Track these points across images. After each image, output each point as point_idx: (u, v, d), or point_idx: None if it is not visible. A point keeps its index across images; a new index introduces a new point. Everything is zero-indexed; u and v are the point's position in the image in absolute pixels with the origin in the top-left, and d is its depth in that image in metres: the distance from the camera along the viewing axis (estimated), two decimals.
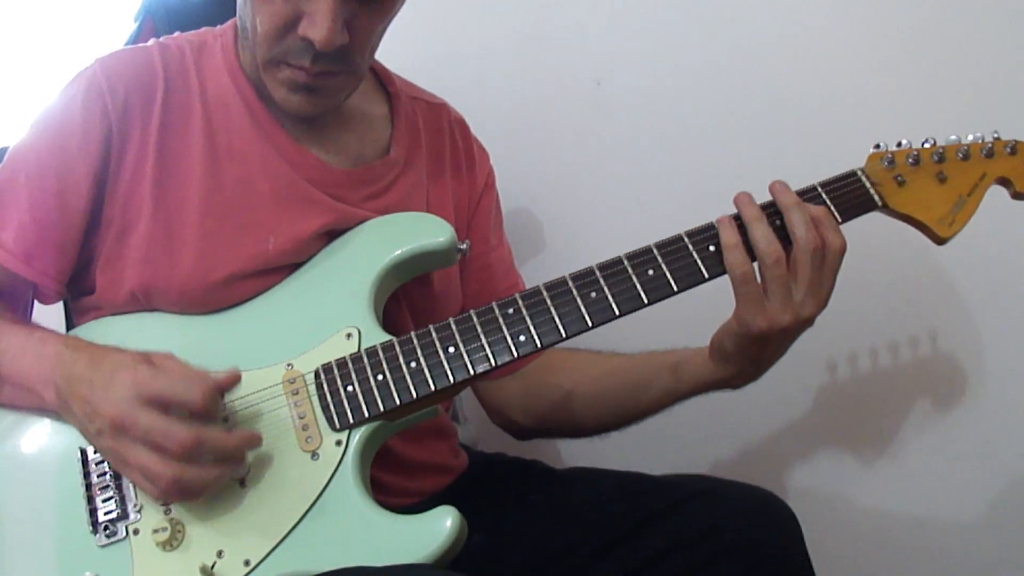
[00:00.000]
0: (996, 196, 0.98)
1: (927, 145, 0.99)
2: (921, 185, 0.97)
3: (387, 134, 1.12)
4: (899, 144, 0.99)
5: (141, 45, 1.04)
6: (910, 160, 0.98)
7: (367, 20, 0.96)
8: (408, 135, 1.13)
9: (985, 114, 1.19)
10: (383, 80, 1.16)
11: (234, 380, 0.90)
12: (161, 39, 1.06)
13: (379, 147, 1.11)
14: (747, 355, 0.97)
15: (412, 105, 1.17)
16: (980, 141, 0.99)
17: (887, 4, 1.27)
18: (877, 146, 1.00)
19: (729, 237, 0.92)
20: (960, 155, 0.98)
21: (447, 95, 1.22)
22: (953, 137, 0.99)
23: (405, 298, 1.06)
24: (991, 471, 1.23)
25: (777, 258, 0.90)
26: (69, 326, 1.09)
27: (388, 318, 1.01)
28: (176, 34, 1.08)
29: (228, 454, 0.87)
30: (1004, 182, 0.98)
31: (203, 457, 0.84)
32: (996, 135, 0.99)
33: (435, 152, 1.16)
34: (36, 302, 1.05)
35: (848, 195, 0.97)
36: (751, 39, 1.35)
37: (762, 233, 0.91)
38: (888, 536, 1.30)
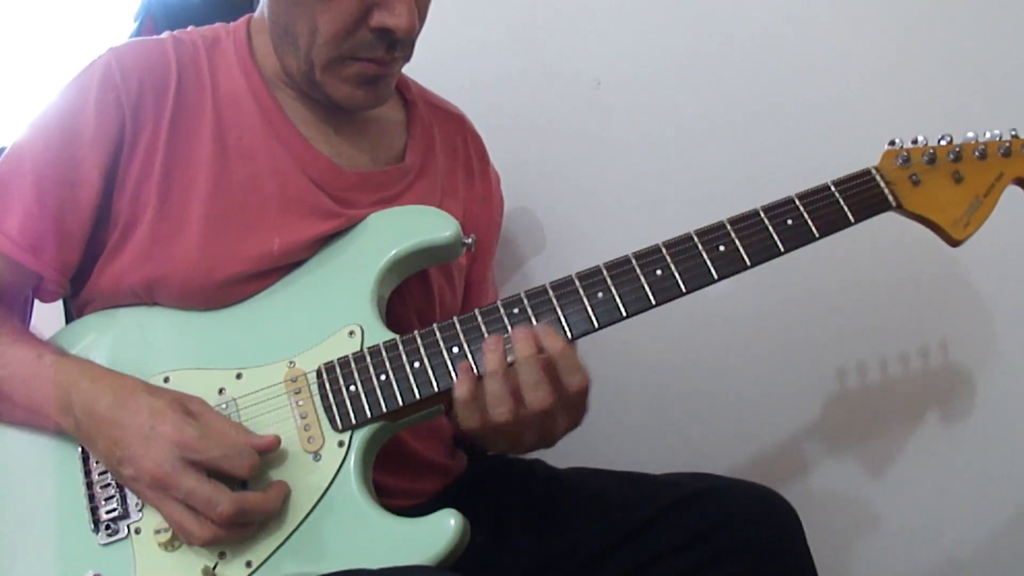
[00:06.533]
0: (1012, 197, 0.96)
1: (943, 143, 0.96)
2: (936, 185, 0.95)
3: (402, 141, 1.11)
4: (914, 141, 0.97)
5: (155, 38, 1.03)
6: (926, 158, 0.95)
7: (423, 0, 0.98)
8: (423, 143, 1.12)
9: (1001, 110, 1.18)
10: (400, 86, 1.15)
11: (275, 444, 0.89)
12: (175, 32, 1.04)
13: (393, 153, 1.09)
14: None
15: (429, 113, 1.15)
16: (998, 139, 0.96)
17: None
18: (892, 143, 0.98)
19: (462, 391, 0.87)
20: (977, 154, 0.95)
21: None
22: (970, 135, 0.97)
23: (409, 294, 1.05)
24: (994, 478, 1.23)
25: (506, 420, 0.86)
26: (68, 321, 1.07)
27: (392, 314, 1.00)
28: (190, 28, 1.06)
29: (265, 516, 0.87)
30: (1021, 183, 0.96)
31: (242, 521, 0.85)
32: (1014, 133, 0.97)
33: (449, 164, 1.14)
34: (36, 301, 1.03)
35: (862, 195, 0.94)
36: (753, 36, 1.33)
37: (492, 391, 0.86)
38: (889, 537, 1.30)
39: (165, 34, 1.04)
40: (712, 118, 1.35)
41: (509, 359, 0.88)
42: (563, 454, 1.19)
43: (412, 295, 1.05)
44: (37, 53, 1.55)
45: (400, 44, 0.96)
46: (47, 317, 1.03)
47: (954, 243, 0.95)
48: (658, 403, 1.38)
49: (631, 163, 1.39)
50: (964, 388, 1.25)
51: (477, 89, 1.37)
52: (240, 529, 0.86)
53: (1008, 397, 1.22)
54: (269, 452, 0.89)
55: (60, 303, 1.08)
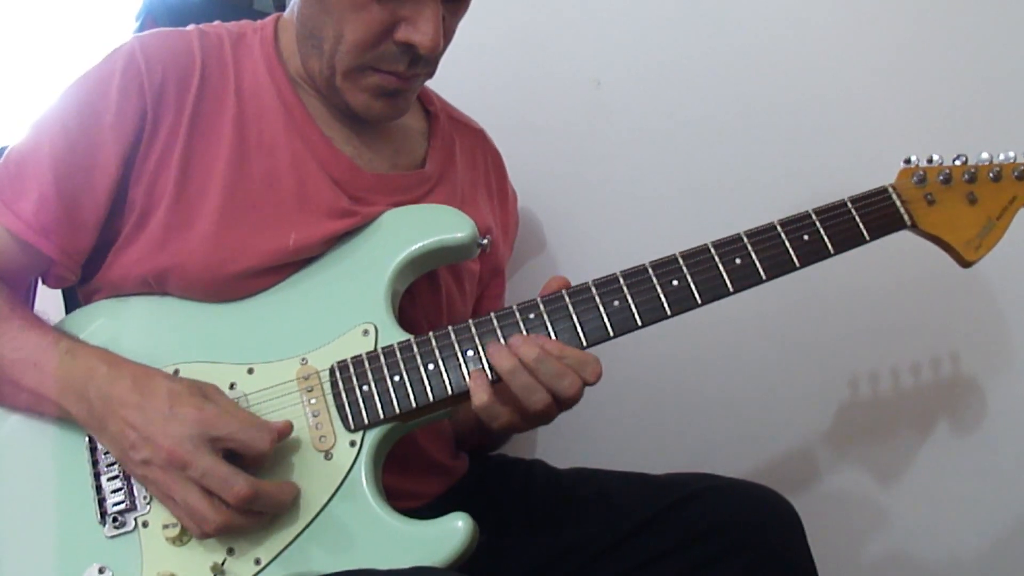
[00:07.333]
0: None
1: (958, 163, 0.97)
2: (951, 205, 0.96)
3: (423, 149, 1.11)
4: (930, 160, 0.98)
5: (180, 29, 1.01)
6: (941, 178, 0.96)
7: (450, 21, 0.98)
8: (443, 154, 1.12)
9: (1008, 112, 1.18)
10: (423, 98, 1.15)
11: (288, 429, 0.89)
12: (201, 26, 1.03)
13: (414, 160, 1.09)
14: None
15: (451, 127, 1.15)
16: (1012, 161, 0.97)
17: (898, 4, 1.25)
18: (907, 161, 0.98)
19: (480, 398, 0.89)
20: (991, 176, 0.96)
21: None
22: (985, 156, 0.97)
23: (419, 295, 1.04)
24: (1001, 484, 1.25)
25: (547, 404, 0.89)
26: (69, 310, 1.05)
27: (400, 313, 0.99)
28: (216, 23, 1.05)
29: (278, 507, 0.87)
30: None
31: (255, 508, 0.84)
32: None
33: (469, 177, 1.15)
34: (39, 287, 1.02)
35: (878, 212, 0.95)
36: (753, 36, 1.33)
37: (522, 383, 0.89)
38: (892, 540, 1.32)
39: (191, 26, 1.02)
40: (712, 118, 1.35)
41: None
42: (563, 454, 1.21)
43: (421, 296, 1.05)
44: (38, 53, 1.54)
45: (423, 61, 0.96)
46: (46, 308, 1.01)
47: (966, 264, 0.96)
48: (660, 403, 1.38)
49: (631, 163, 1.39)
50: (974, 396, 1.26)
51: (477, 89, 1.36)
52: (252, 517, 0.85)
53: (1017, 404, 1.24)
54: (283, 437, 0.89)
55: (59, 293, 1.07)
